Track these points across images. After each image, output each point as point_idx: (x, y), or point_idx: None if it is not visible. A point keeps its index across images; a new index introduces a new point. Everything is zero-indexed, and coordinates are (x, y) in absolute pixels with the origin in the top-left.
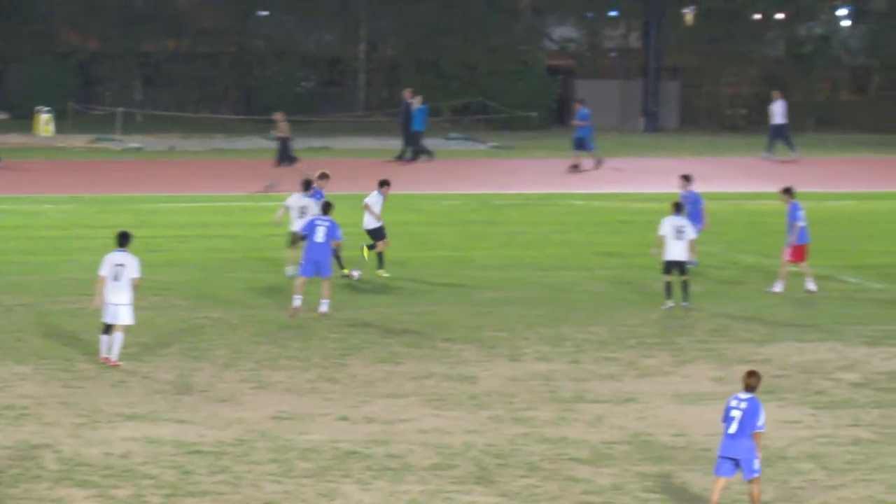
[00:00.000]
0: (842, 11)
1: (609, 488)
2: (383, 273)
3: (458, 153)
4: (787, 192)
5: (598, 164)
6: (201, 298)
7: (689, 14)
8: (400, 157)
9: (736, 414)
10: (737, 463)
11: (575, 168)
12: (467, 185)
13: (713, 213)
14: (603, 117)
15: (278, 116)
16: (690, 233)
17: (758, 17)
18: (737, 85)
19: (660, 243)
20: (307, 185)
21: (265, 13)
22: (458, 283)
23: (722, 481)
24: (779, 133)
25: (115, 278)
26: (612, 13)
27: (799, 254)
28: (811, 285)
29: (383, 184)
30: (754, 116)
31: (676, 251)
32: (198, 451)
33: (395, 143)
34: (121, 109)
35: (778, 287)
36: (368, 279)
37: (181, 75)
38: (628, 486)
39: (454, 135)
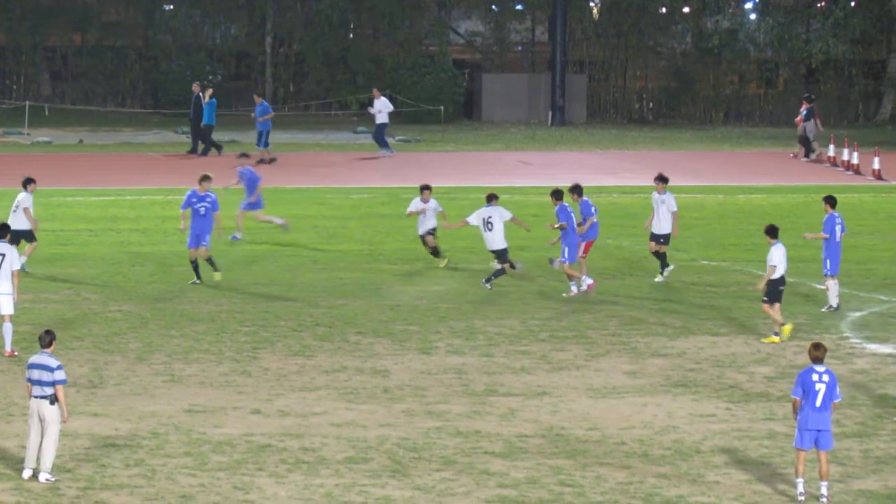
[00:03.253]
0: (748, 5)
1: (524, 482)
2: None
3: (366, 147)
4: (577, 190)
5: (270, 160)
6: (112, 292)
7: (595, 7)
8: (192, 151)
9: (821, 387)
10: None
11: (262, 162)
12: (376, 178)
13: (624, 206)
14: (510, 111)
15: None
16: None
17: (664, 10)
18: (644, 78)
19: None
20: (25, 184)
21: (170, 7)
22: (369, 277)
23: (804, 454)
24: (380, 131)
25: None
26: (518, 7)
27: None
28: (577, 286)
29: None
30: (662, 110)
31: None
32: (112, 445)
33: (304, 137)
34: (28, 103)
35: (579, 286)
36: (275, 273)
37: (88, 69)
38: (543, 480)
39: (362, 128)
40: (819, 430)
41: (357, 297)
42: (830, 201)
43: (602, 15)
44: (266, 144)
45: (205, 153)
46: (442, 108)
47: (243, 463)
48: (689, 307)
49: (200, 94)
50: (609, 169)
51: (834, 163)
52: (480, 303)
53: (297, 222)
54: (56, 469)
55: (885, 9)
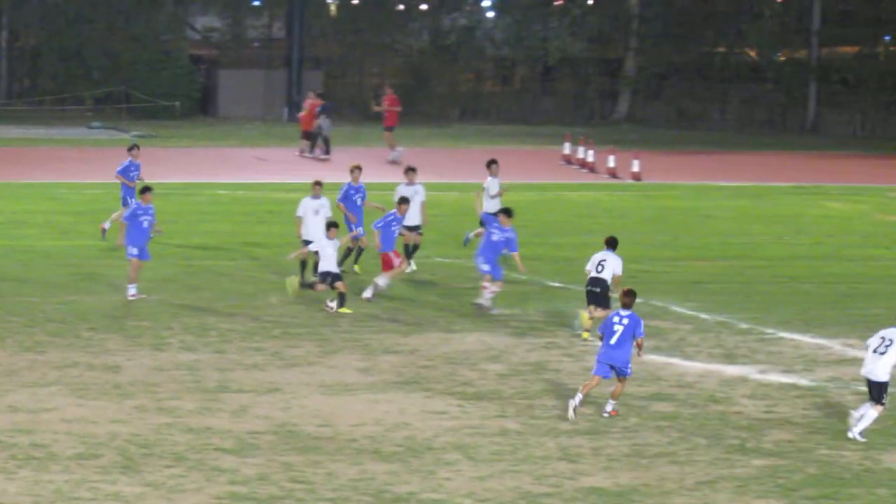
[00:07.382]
0: (486, 3)
1: (255, 478)
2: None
3: (101, 142)
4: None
5: None
6: None
7: (333, 4)
8: None
9: None
10: None
11: None
12: (109, 174)
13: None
14: (247, 107)
15: None
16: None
17: (402, 7)
18: (381, 75)
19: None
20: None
21: None
22: (101, 273)
23: None
24: None
25: None
26: (256, 3)
27: None
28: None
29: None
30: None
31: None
32: None
33: (38, 132)
34: None
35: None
36: (6, 269)
37: None
38: (274, 476)
39: (96, 124)
40: None
41: (90, 292)
42: (508, 213)
43: (340, 11)
44: None
45: None
46: (178, 103)
47: None
48: (423, 304)
49: None
50: (344, 165)
51: (570, 161)
52: (214, 299)
53: (29, 217)
54: None
55: (621, 8)
